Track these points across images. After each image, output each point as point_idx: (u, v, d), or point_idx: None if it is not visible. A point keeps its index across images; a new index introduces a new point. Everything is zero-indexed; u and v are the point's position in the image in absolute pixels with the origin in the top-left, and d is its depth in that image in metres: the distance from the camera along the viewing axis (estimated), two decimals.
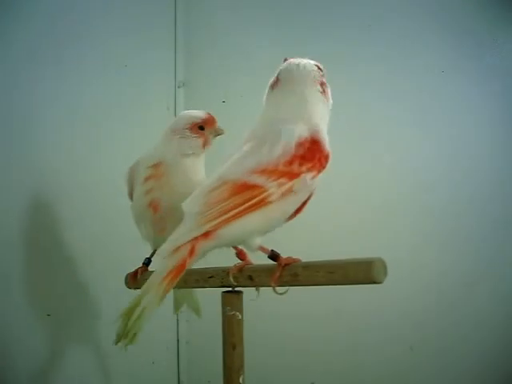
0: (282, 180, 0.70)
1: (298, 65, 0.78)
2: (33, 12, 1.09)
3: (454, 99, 1.24)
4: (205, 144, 0.94)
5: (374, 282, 0.65)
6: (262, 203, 0.69)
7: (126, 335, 0.67)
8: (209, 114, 0.95)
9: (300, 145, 0.72)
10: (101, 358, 1.17)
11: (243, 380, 0.80)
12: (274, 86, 0.80)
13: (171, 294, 1.02)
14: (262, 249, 0.74)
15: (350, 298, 1.23)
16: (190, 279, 0.83)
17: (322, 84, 0.78)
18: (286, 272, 0.72)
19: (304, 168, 0.71)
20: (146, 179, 0.90)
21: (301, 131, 0.73)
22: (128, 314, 0.68)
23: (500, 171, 1.19)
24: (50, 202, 1.09)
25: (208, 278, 0.82)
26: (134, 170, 0.95)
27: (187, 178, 0.90)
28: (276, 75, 0.80)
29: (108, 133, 1.24)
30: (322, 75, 0.79)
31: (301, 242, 1.13)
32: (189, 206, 0.72)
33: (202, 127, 0.93)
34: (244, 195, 0.69)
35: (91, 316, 1.15)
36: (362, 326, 1.25)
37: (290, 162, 0.71)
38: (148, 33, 1.40)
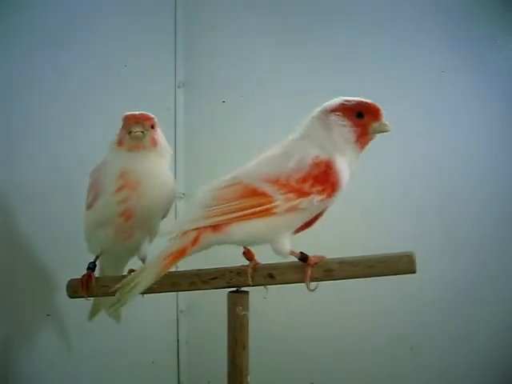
0: (291, 195, 0.72)
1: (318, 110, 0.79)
2: (33, 12, 1.09)
3: (454, 99, 1.24)
4: (120, 141, 0.89)
5: (413, 272, 0.75)
6: (266, 212, 0.71)
7: (113, 305, 0.71)
8: (142, 113, 0.88)
9: (316, 165, 0.73)
10: (101, 357, 1.17)
11: (251, 379, 0.81)
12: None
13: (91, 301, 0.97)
14: (293, 253, 0.76)
15: (350, 299, 1.23)
16: (182, 282, 0.82)
17: (325, 115, 0.77)
18: (317, 269, 0.77)
19: (314, 189, 0.72)
20: (119, 189, 0.85)
21: (318, 152, 0.74)
22: (124, 286, 0.71)
23: (499, 170, 1.20)
24: (48, 198, 1.09)
25: (209, 279, 0.81)
26: (98, 179, 0.89)
27: (162, 186, 0.88)
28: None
29: (108, 133, 1.23)
30: (332, 109, 0.77)
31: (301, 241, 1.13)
32: (199, 195, 0.74)
33: (123, 124, 0.89)
34: (251, 200, 0.71)
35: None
36: (362, 327, 1.25)
37: (303, 180, 0.72)
38: (148, 33, 1.39)
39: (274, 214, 0.71)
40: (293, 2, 1.38)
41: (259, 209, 0.71)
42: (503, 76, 1.21)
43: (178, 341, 1.43)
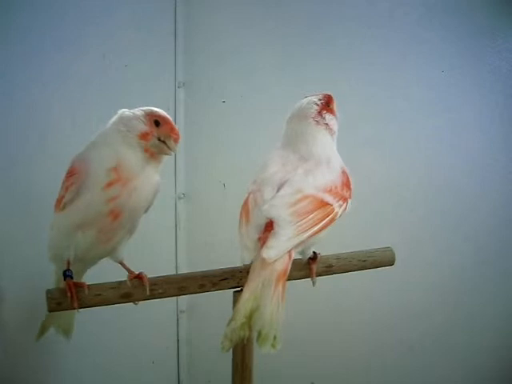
0: (341, 202, 0.76)
1: (298, 105, 0.85)
2: (33, 12, 1.09)
3: (454, 99, 1.24)
4: (145, 135, 0.80)
5: (392, 264, 0.92)
6: (333, 220, 0.75)
7: (263, 339, 0.71)
8: (178, 133, 0.82)
9: (343, 173, 0.79)
10: (101, 357, 1.17)
11: None
12: (291, 118, 0.86)
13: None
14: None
15: (350, 300, 1.23)
16: (190, 286, 0.82)
17: (319, 116, 0.83)
18: (320, 265, 0.85)
19: (347, 194, 0.78)
20: (109, 185, 0.76)
21: (340, 161, 0.81)
22: (248, 318, 0.69)
23: (500, 170, 1.20)
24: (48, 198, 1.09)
25: (220, 280, 0.82)
26: (83, 170, 0.79)
27: (151, 184, 0.82)
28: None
29: None
30: (319, 109, 0.83)
31: None
32: (274, 212, 0.73)
33: (157, 122, 0.81)
34: (322, 211, 0.74)
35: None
36: (362, 327, 1.25)
37: (342, 187, 0.77)
38: (148, 33, 1.39)
39: (335, 220, 0.75)
40: (293, 2, 1.38)
41: (329, 218, 0.74)
42: (503, 76, 1.21)
43: (178, 341, 1.44)
